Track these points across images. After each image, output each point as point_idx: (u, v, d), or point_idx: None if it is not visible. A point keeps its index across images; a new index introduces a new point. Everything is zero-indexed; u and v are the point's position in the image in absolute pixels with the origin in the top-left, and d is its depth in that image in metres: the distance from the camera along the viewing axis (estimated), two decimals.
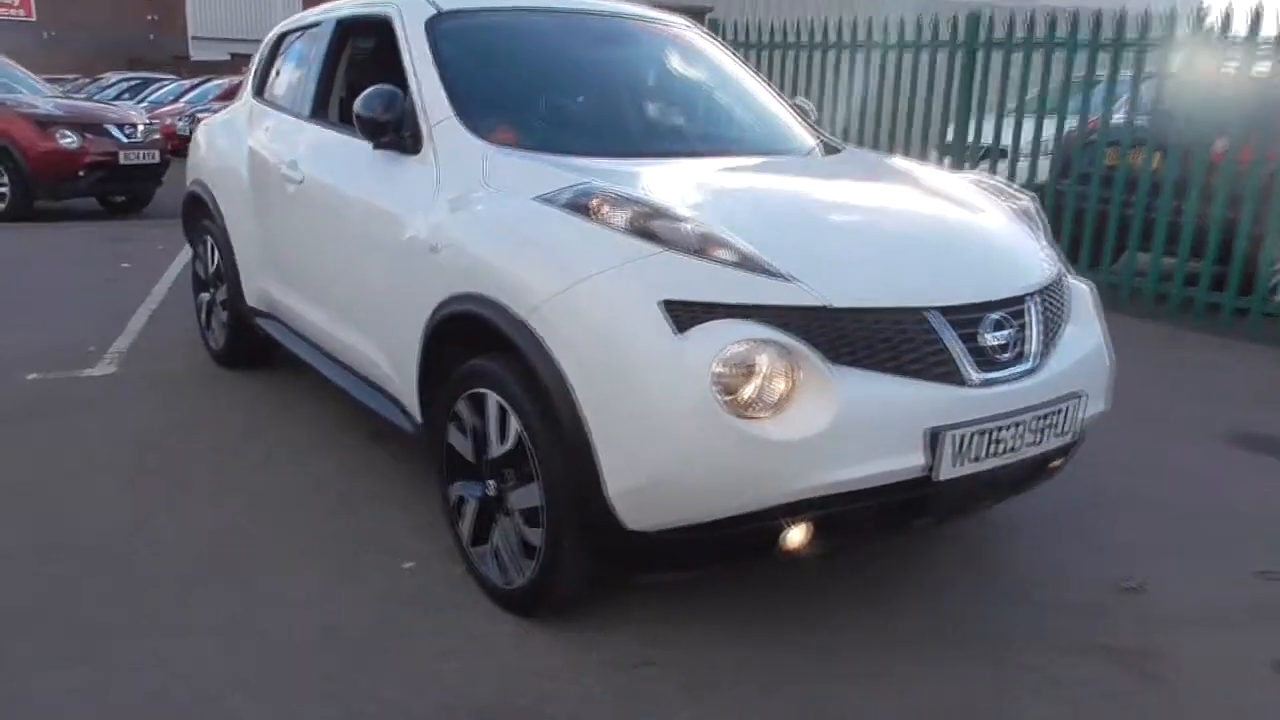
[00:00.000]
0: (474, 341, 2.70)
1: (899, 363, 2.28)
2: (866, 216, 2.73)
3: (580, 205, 2.43)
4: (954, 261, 2.58)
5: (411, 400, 3.01)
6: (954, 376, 2.32)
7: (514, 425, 2.47)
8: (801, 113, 3.82)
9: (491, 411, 2.56)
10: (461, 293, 2.64)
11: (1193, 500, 3.57)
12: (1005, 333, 2.45)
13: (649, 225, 2.34)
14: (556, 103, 3.37)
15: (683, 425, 2.16)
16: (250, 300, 4.24)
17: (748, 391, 2.17)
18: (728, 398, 2.14)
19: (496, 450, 2.57)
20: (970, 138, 7.84)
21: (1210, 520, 3.40)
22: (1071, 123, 7.36)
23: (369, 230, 3.12)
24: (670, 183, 2.71)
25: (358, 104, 2.98)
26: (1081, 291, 2.86)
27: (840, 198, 2.93)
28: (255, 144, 4.12)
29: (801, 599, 2.77)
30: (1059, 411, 2.50)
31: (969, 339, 2.37)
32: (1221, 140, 6.25)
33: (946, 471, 2.30)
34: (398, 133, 3.00)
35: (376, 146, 3.07)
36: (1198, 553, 3.16)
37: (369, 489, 3.44)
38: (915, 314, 2.33)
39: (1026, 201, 3.06)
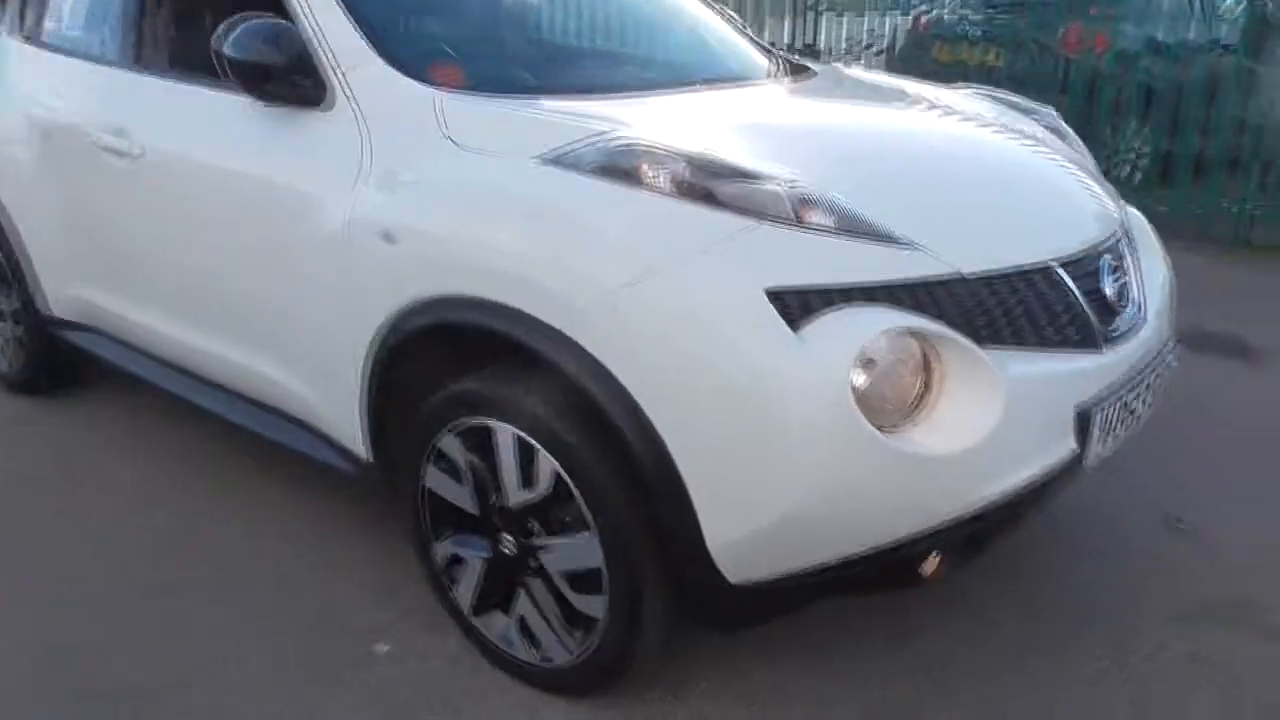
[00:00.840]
0: (453, 356, 2.05)
1: (1041, 334, 1.85)
2: (933, 156, 2.23)
3: (622, 167, 1.81)
4: (1051, 202, 2.16)
5: (353, 434, 2.30)
6: (1090, 340, 1.92)
7: (547, 465, 1.87)
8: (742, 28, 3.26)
9: (505, 448, 1.93)
10: (438, 296, 1.96)
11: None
12: (1118, 281, 2.08)
13: (724, 189, 1.76)
14: (498, 31, 2.64)
15: (817, 451, 1.65)
16: (56, 310, 3.24)
17: (893, 398, 1.69)
18: (869, 409, 1.65)
19: (517, 497, 1.96)
20: (788, 37, 7.59)
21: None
22: (898, 19, 7.24)
23: (263, 217, 2.32)
24: (701, 126, 2.11)
25: (227, 44, 2.14)
26: (1136, 216, 2.55)
27: (886, 133, 2.42)
28: (35, 104, 3.07)
29: (878, 614, 2.35)
30: (1164, 364, 2.18)
31: (1091, 293, 1.98)
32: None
33: (1094, 453, 1.92)
34: (292, 81, 2.20)
35: (261, 99, 2.26)
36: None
37: (287, 549, 2.68)
38: (1047, 272, 1.91)
39: (1054, 116, 2.70)
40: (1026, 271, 1.86)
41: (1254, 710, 2.05)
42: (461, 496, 2.08)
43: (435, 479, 2.12)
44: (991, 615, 2.32)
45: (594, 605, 1.92)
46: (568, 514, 1.91)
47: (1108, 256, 2.07)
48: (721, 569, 1.78)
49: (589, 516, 1.85)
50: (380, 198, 2.07)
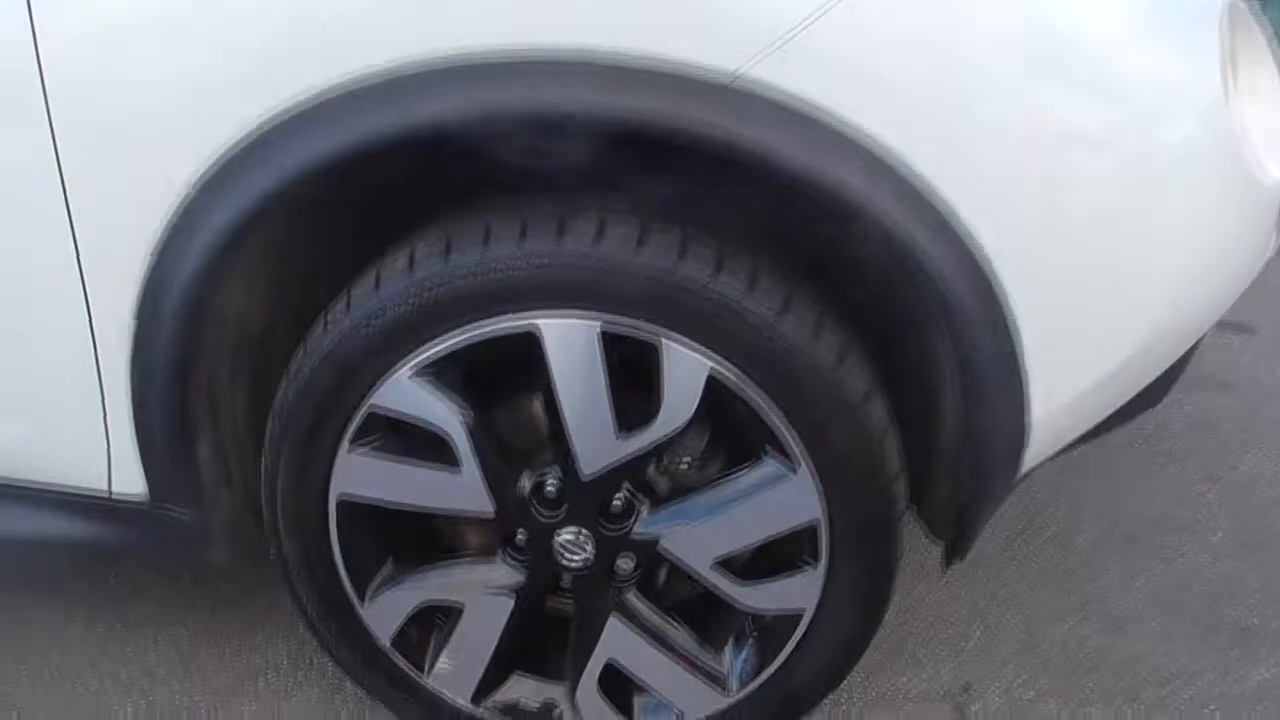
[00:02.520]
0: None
1: None
2: None
3: None
4: None
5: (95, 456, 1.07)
6: None
7: (699, 373, 0.95)
8: None
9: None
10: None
11: None
12: None
13: None
14: None
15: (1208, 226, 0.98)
16: None
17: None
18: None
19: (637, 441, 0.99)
20: None
21: None
22: None
23: None
24: None
25: None
26: None
27: None
28: None
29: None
30: None
31: None
32: None
33: None
34: None
35: None
36: None
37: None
38: None
39: None
40: None
41: None
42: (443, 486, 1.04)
43: (365, 474, 1.04)
44: None
45: (789, 593, 1.07)
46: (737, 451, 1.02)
47: None
48: (1023, 455, 1.05)
49: (795, 443, 0.98)
50: None
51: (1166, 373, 1.11)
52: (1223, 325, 1.23)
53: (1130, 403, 1.13)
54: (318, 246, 1.07)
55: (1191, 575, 1.55)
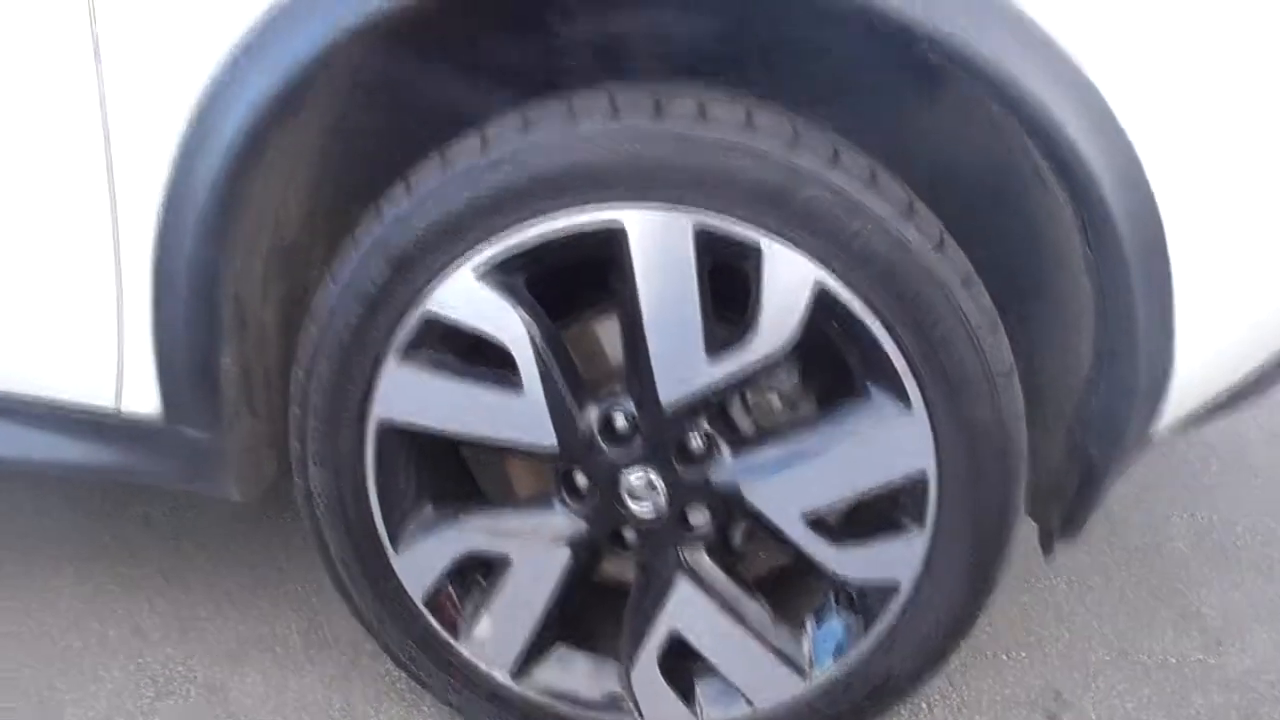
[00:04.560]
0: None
1: None
2: None
3: None
4: None
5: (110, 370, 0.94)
6: None
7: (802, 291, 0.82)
8: None
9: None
10: None
11: None
12: None
13: None
14: None
15: None
16: None
17: None
18: None
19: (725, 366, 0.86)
20: None
21: None
22: None
23: None
24: None
25: None
26: None
27: None
28: None
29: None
30: None
31: None
32: None
33: None
34: None
35: None
36: None
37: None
38: None
39: None
40: None
41: None
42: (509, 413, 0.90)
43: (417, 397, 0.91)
44: None
45: (887, 559, 0.93)
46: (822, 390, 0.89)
47: None
48: (1162, 407, 0.92)
49: (909, 375, 0.85)
50: None
51: None
52: None
53: (1269, 370, 1.00)
54: (372, 136, 0.95)
55: None
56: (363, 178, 0.96)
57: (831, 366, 0.93)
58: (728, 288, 0.86)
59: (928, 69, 0.81)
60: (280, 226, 0.97)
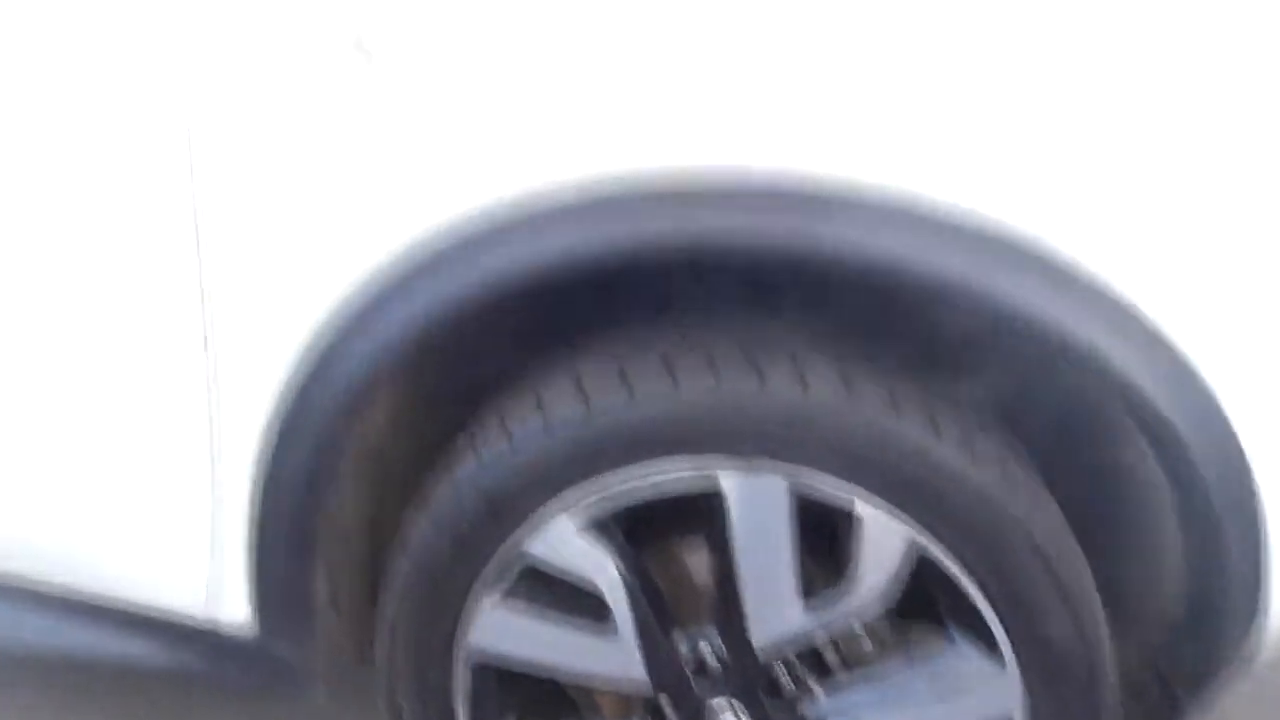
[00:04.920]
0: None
1: None
2: None
3: None
4: None
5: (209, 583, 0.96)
6: None
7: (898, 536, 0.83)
8: None
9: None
10: None
11: None
12: None
13: None
14: None
15: None
16: None
17: None
18: None
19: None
20: None
21: None
22: None
23: None
24: None
25: None
26: None
27: None
28: None
29: None
30: None
31: None
32: None
33: None
34: None
35: None
36: None
37: None
38: None
39: None
40: None
41: None
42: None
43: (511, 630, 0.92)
44: None
45: None
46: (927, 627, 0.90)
47: None
48: (1260, 624, 0.92)
49: (1001, 634, 0.85)
50: None
51: None
52: None
53: None
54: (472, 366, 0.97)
55: None
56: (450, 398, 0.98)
57: (917, 600, 0.93)
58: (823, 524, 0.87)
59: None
60: (367, 435, 0.99)
